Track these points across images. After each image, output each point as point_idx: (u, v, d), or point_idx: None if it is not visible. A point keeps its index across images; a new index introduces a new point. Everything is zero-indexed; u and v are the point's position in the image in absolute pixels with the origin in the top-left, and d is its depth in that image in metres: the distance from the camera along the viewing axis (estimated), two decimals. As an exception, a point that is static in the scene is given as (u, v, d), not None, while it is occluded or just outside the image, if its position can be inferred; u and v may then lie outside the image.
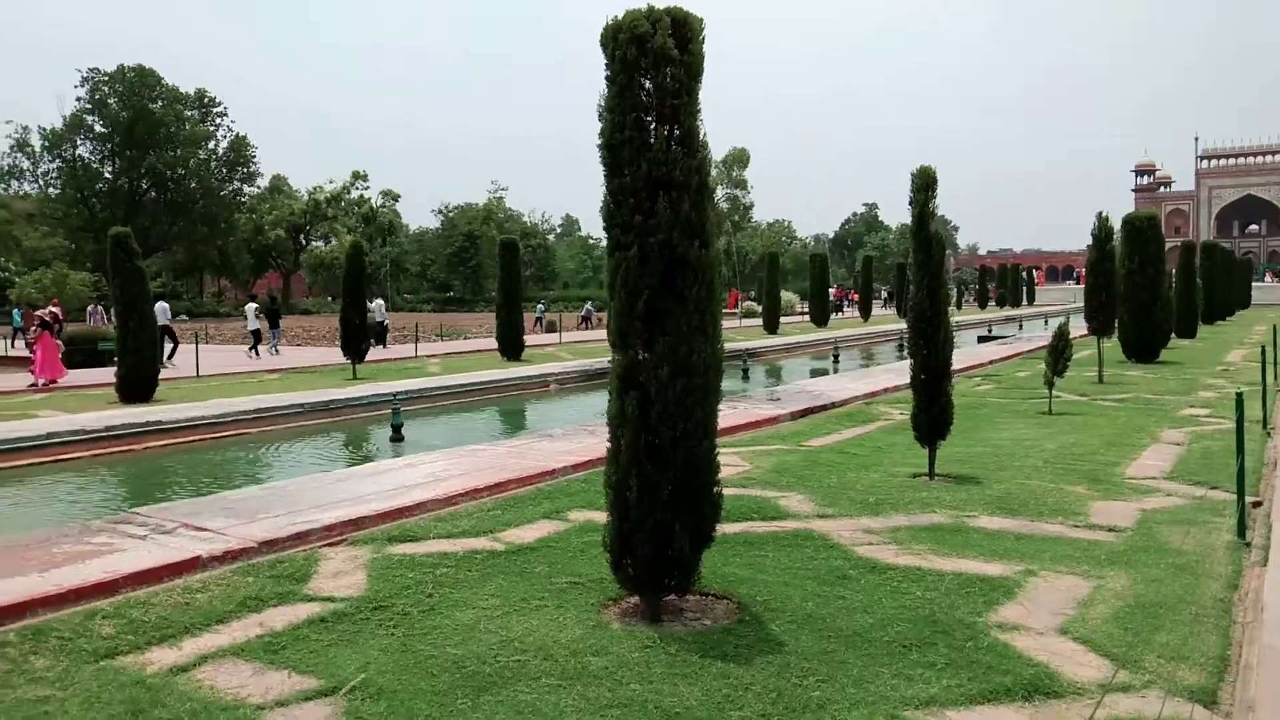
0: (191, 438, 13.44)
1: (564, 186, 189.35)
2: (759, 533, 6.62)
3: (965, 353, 22.50)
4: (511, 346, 25.21)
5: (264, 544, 6.42)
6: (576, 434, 11.22)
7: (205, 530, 6.75)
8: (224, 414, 14.29)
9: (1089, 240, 17.55)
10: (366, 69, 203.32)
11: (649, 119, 4.77)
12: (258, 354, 26.83)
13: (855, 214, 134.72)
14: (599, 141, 4.88)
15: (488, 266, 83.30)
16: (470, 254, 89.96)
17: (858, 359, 29.17)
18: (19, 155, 74.49)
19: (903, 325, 20.34)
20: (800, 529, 6.74)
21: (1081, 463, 9.21)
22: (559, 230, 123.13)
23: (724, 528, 5.40)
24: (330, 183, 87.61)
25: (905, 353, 9.72)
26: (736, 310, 52.29)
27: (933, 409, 8.28)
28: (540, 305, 50.54)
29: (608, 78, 4.83)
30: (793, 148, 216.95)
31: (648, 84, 4.75)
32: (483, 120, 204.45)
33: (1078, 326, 15.59)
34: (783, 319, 40.86)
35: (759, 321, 40.87)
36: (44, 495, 10.56)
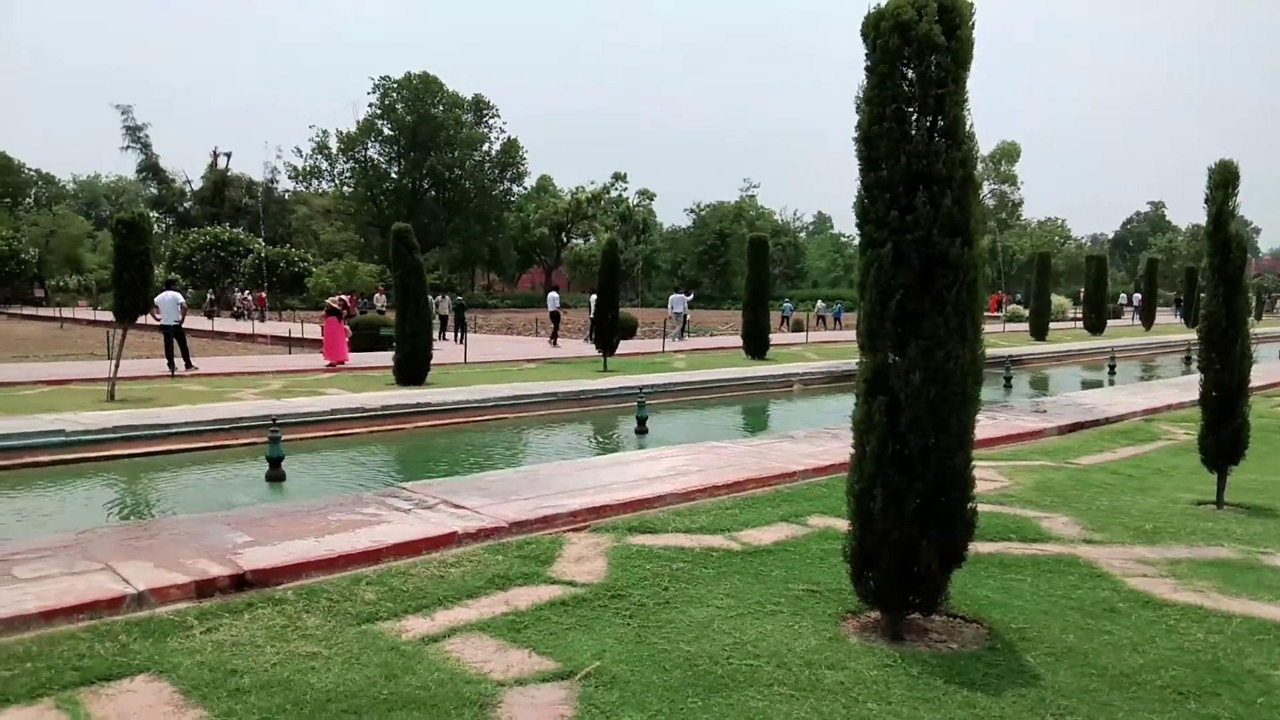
0: (456, 420, 14.36)
1: (817, 183, 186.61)
2: (1016, 555, 6.16)
3: (1265, 368, 20.04)
4: (756, 344, 25.15)
5: (514, 525, 6.71)
6: (819, 436, 10.97)
7: (462, 508, 7.14)
8: (486, 399, 15.17)
9: None
10: (627, 70, 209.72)
11: (910, 110, 4.52)
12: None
13: (1139, 213, 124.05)
14: (855, 134, 4.68)
15: (736, 264, 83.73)
16: (720, 252, 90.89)
17: (1137, 371, 26.74)
18: (319, 157, 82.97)
19: (1191, 335, 18.38)
20: (1063, 554, 6.21)
21: None
22: (810, 227, 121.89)
23: (977, 547, 5.06)
24: (591, 183, 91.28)
25: (1194, 366, 8.77)
26: (999, 314, 49.58)
27: (1224, 430, 7.41)
28: (787, 304, 50.17)
29: (867, 68, 4.62)
30: (1070, 141, 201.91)
31: (910, 73, 4.50)
32: (737, 118, 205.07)
33: None
34: (1052, 325, 38.28)
35: (1025, 327, 38.48)
36: (325, 466, 11.62)
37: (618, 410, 15.76)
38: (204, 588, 5.29)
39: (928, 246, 4.38)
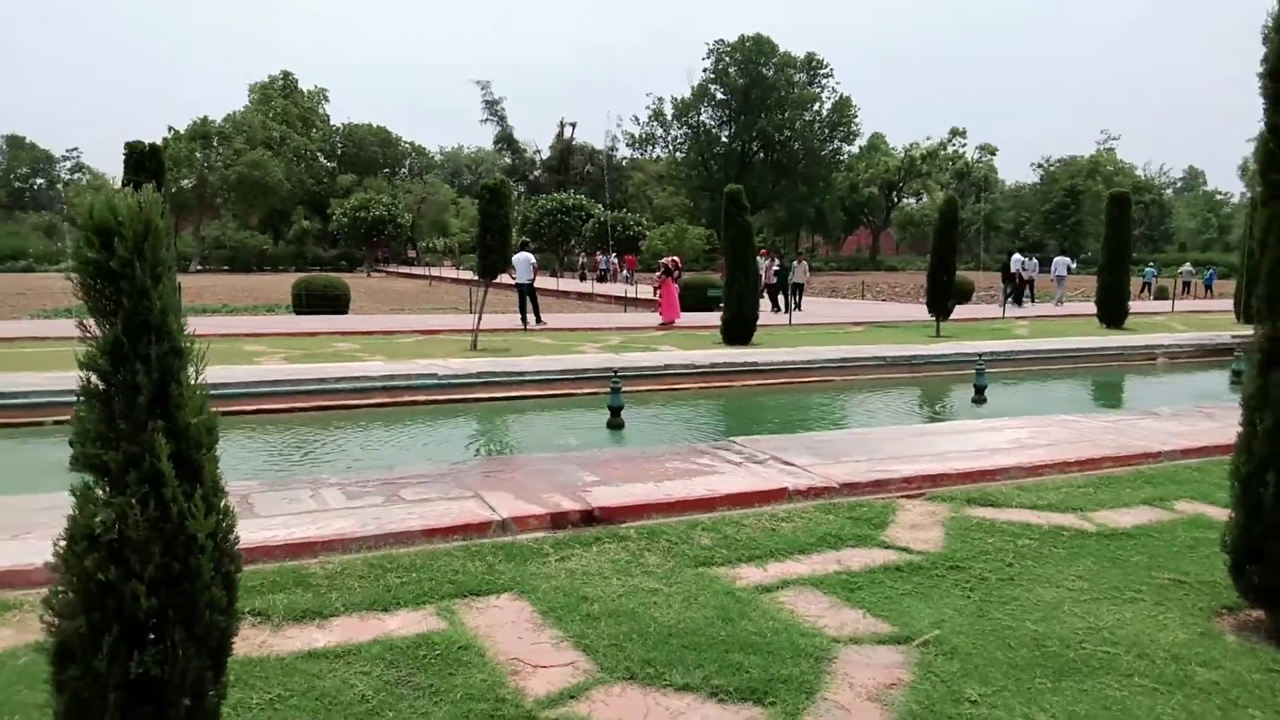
0: (781, 380, 14.47)
1: (1188, 134, 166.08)
2: None
3: None
4: (1113, 312, 23.01)
5: (844, 486, 6.66)
6: (1189, 415, 9.85)
7: (792, 465, 7.19)
8: (811, 360, 15.15)
9: None
10: (969, 20, 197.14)
11: (1332, 37, 3.89)
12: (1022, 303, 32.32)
13: None
14: (1260, 69, 4.11)
15: (1088, 224, 77.24)
16: (1070, 210, 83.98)
17: None
18: (655, 124, 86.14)
19: None
20: None
21: None
22: (1178, 184, 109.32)
23: (1396, 548, 4.32)
24: (927, 139, 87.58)
25: None
26: None
27: None
28: (1150, 269, 45.47)
29: (1280, -7, 4.03)
30: None
31: (1335, -7, 3.87)
32: (1095, 65, 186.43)
33: None
34: None
35: None
36: (659, 417, 12.16)
37: (952, 378, 15.11)
38: (557, 520, 5.75)
39: (1352, 196, 3.76)
